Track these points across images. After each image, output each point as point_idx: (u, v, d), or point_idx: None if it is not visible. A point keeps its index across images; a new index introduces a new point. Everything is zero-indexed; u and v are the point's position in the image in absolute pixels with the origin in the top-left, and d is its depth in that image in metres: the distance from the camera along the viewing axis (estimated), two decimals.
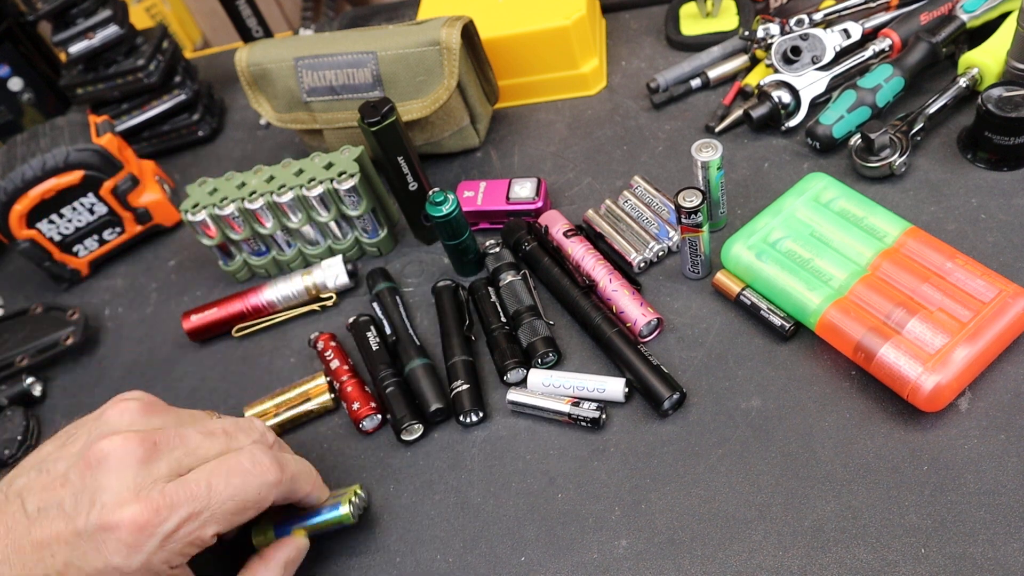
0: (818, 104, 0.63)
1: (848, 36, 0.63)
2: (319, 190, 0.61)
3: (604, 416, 0.50)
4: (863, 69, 0.63)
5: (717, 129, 0.65)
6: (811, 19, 0.65)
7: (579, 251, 0.57)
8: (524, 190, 0.62)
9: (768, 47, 0.64)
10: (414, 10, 0.81)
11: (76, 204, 0.69)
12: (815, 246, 0.51)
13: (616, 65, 0.74)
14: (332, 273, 0.63)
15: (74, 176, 0.67)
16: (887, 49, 0.62)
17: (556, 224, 0.59)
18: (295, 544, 0.46)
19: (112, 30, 0.77)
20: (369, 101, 0.59)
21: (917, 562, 0.41)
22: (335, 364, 0.56)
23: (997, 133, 0.53)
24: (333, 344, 0.58)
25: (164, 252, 0.74)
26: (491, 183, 0.64)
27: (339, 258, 0.63)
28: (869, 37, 0.64)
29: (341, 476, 0.52)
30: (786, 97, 0.62)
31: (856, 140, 0.58)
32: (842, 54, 0.63)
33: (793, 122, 0.62)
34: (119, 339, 0.68)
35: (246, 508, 0.41)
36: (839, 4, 0.66)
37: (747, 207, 0.59)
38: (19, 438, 0.61)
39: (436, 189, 0.56)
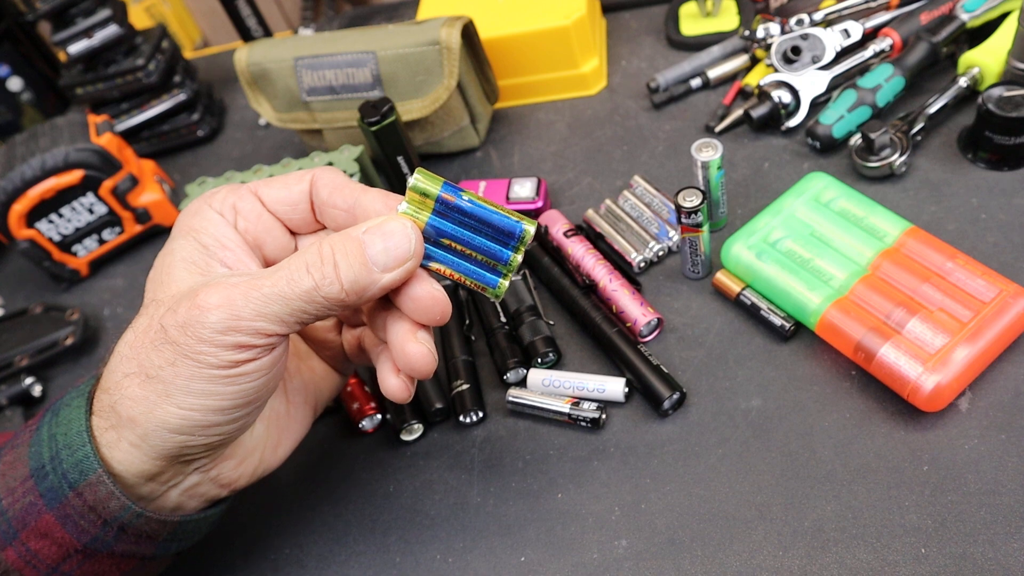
0: (818, 104, 0.63)
1: (848, 36, 0.63)
2: None
3: (604, 416, 0.50)
4: (863, 69, 0.62)
5: (717, 129, 0.64)
6: (811, 19, 0.65)
7: (579, 251, 0.57)
8: (524, 190, 0.62)
9: (768, 47, 0.64)
10: (414, 10, 0.81)
11: (75, 204, 0.69)
12: (815, 246, 0.51)
13: (616, 65, 0.74)
14: None
15: (74, 176, 0.67)
16: (887, 49, 0.62)
17: (556, 224, 0.59)
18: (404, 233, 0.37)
19: (111, 30, 0.77)
20: (369, 101, 0.59)
21: (917, 562, 0.41)
22: None
23: (997, 133, 0.53)
24: None
25: None
26: (491, 183, 0.63)
27: None
28: (869, 37, 0.64)
29: (340, 476, 0.52)
30: (786, 97, 0.62)
31: (856, 140, 0.58)
32: (842, 54, 0.63)
33: (793, 122, 0.62)
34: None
35: None
36: (839, 4, 0.66)
37: (747, 207, 0.59)
38: None
39: None
